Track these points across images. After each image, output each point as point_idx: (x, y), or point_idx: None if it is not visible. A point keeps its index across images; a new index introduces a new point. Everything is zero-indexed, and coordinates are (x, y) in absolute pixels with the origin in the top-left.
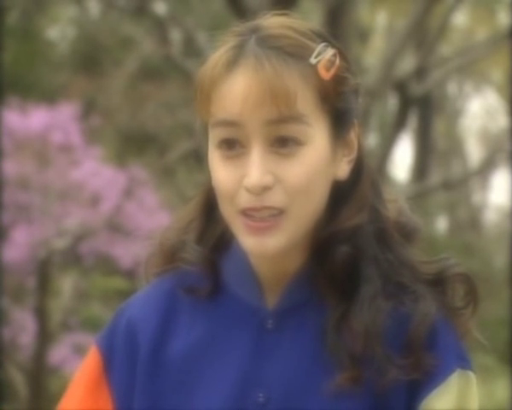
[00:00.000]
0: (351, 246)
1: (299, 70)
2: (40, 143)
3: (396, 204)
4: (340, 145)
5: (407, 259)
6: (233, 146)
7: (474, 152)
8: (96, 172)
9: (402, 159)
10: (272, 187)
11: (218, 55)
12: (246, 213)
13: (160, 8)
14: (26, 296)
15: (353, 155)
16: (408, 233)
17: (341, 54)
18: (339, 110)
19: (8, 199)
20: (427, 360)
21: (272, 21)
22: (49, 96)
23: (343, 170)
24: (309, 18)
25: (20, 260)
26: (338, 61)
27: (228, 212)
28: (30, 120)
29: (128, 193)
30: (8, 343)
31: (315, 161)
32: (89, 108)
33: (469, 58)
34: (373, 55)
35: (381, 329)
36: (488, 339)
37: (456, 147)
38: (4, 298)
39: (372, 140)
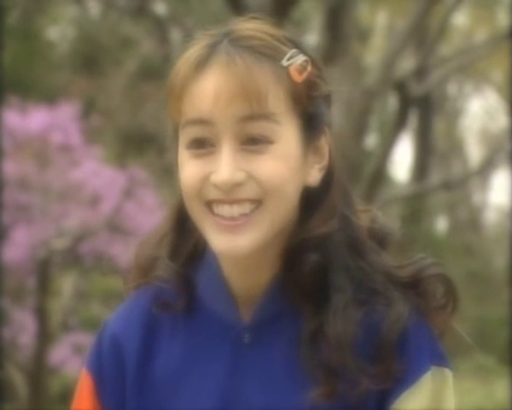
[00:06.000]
0: (320, 254)
1: (272, 69)
2: (40, 143)
3: (369, 213)
4: (311, 151)
5: (380, 265)
6: (202, 145)
7: (474, 152)
8: (96, 172)
9: (402, 159)
10: (245, 183)
11: (189, 54)
12: (214, 209)
13: (160, 8)
14: (26, 296)
15: (324, 163)
16: (381, 239)
17: (313, 61)
18: (310, 114)
19: (8, 199)
20: (397, 366)
21: (245, 25)
22: (49, 96)
23: (314, 177)
24: (309, 18)
25: (20, 260)
26: (310, 67)
27: (196, 210)
28: (30, 120)
29: (128, 193)
30: (8, 343)
31: (286, 158)
32: (89, 108)
33: (469, 58)
34: (373, 55)
35: (353, 339)
36: (488, 339)
37: (456, 147)
38: (4, 298)
39: (372, 140)
